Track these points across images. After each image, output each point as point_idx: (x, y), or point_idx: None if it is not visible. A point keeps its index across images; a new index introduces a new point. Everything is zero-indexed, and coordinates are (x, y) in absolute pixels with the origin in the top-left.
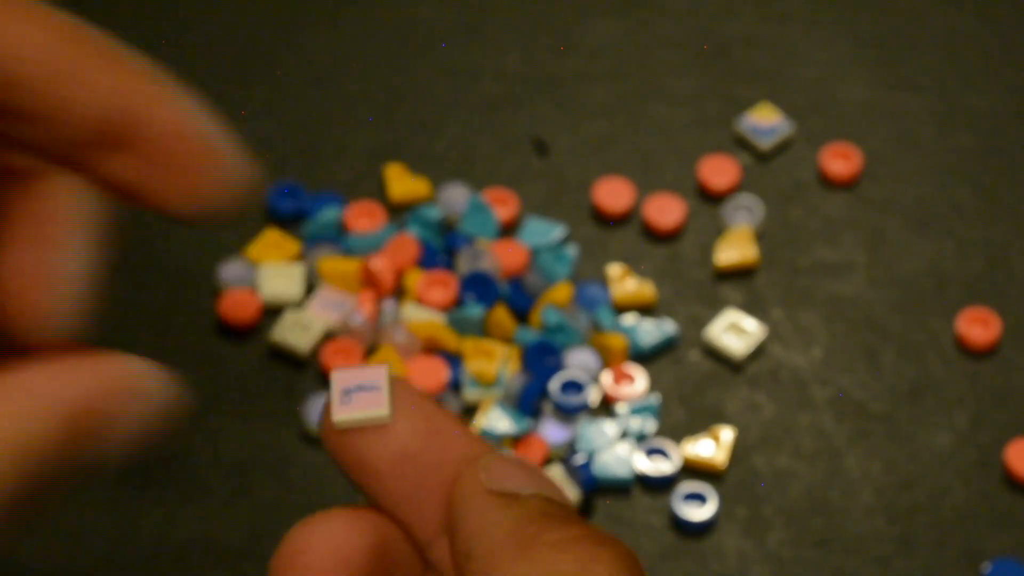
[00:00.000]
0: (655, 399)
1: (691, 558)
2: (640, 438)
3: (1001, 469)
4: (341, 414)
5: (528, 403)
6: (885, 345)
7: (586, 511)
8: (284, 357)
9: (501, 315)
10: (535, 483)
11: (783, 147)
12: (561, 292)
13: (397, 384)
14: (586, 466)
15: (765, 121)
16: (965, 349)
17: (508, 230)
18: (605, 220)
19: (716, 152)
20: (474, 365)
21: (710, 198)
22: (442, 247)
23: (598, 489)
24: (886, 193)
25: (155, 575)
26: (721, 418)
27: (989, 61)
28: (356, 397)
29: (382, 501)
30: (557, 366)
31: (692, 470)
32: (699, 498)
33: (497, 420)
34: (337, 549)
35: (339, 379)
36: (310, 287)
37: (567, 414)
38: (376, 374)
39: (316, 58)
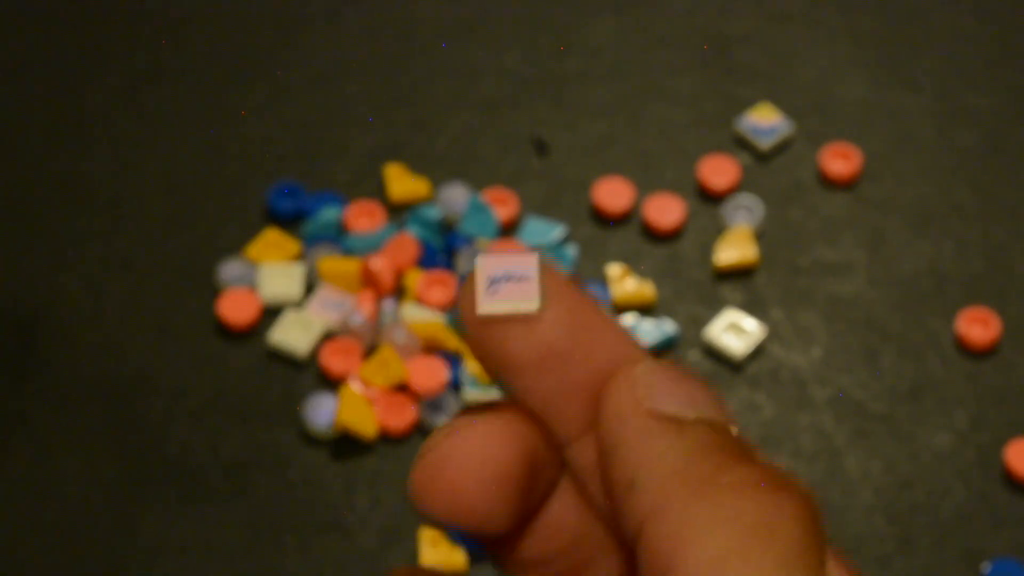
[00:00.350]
0: None
1: None
2: None
3: (1001, 469)
4: (487, 305)
5: None
6: (885, 345)
7: None
8: (284, 357)
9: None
10: (698, 403)
11: (783, 147)
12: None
13: (547, 273)
14: None
15: (765, 121)
16: (965, 349)
17: (508, 230)
18: (605, 220)
19: (716, 152)
20: (474, 365)
21: (710, 198)
22: (442, 247)
23: None
24: (886, 193)
25: (155, 575)
26: None
27: (989, 61)
28: (504, 287)
29: (522, 396)
30: None
31: None
32: None
33: None
34: (486, 459)
35: (486, 265)
36: (310, 287)
37: None
38: (526, 262)
39: (316, 58)
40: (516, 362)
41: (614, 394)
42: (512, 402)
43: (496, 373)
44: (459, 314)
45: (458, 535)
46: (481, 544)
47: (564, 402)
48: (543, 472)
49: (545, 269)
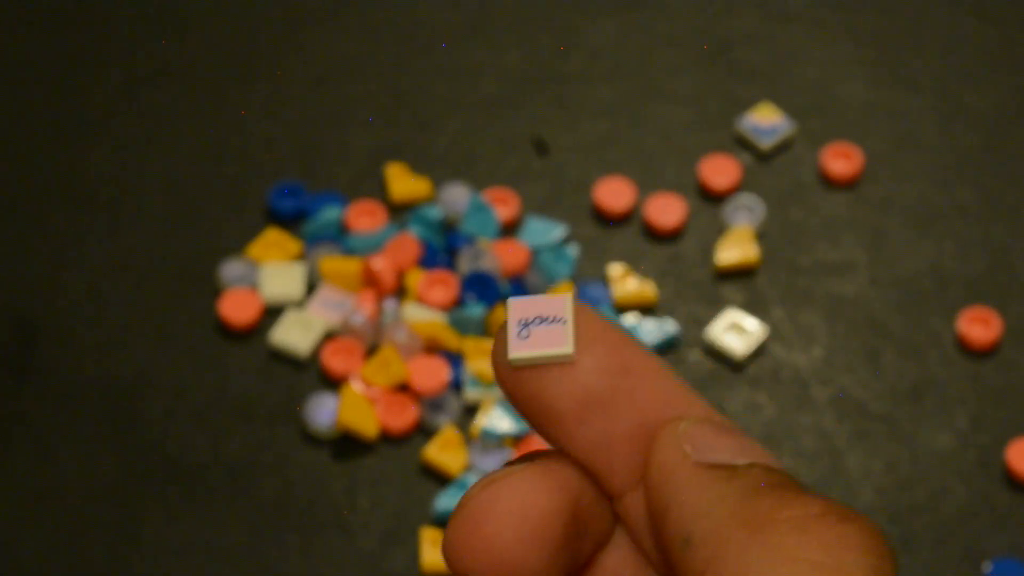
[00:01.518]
0: None
1: None
2: None
3: (1002, 469)
4: (519, 351)
5: None
6: (886, 345)
7: None
8: (285, 357)
9: (502, 315)
10: (748, 451)
11: (784, 147)
12: (562, 292)
13: (582, 314)
14: None
15: (766, 121)
16: (966, 349)
17: (509, 230)
18: (606, 220)
19: (717, 152)
20: (475, 364)
21: (711, 198)
22: (443, 247)
23: None
24: (887, 193)
25: (155, 575)
26: None
27: (990, 60)
28: (536, 332)
29: (566, 447)
30: None
31: None
32: None
33: (498, 420)
34: (527, 515)
35: (517, 309)
36: (311, 287)
37: None
38: (558, 305)
39: (316, 58)
40: (555, 411)
41: (660, 450)
42: (556, 452)
43: (536, 424)
44: (493, 359)
45: None
46: None
47: (610, 453)
48: (591, 525)
49: (580, 311)
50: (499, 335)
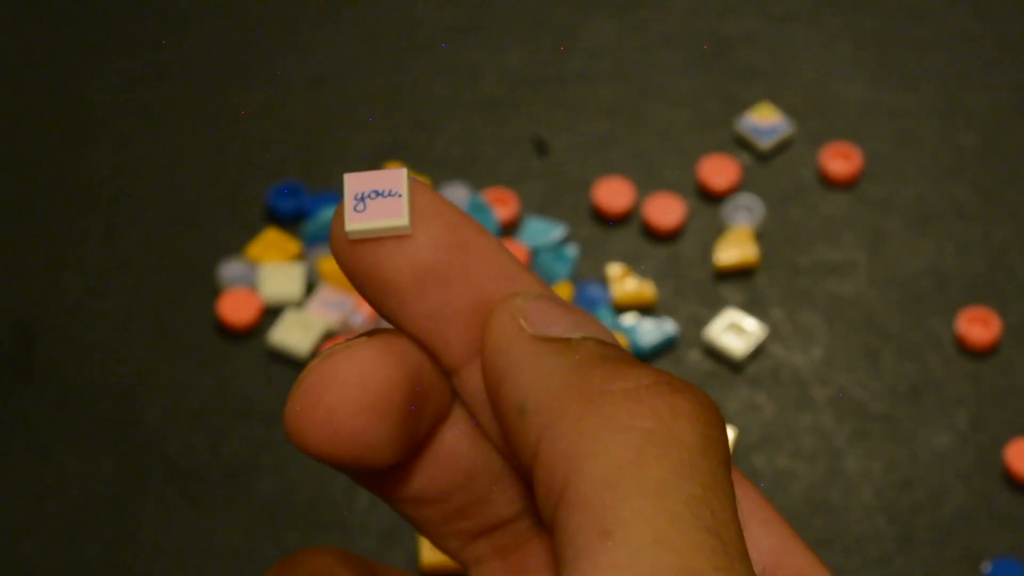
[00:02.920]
0: None
1: None
2: None
3: (1001, 469)
4: (354, 223)
5: None
6: (885, 345)
7: None
8: (284, 357)
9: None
10: (583, 326)
11: (783, 147)
12: (561, 292)
13: (418, 189)
14: None
15: (765, 121)
16: (965, 349)
17: (508, 230)
18: (605, 220)
19: (716, 152)
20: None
21: (710, 198)
22: None
23: None
24: (886, 193)
25: (154, 574)
26: None
27: (989, 61)
28: (372, 204)
29: (403, 322)
30: None
31: None
32: None
33: None
34: (367, 385)
35: (353, 183)
36: (310, 287)
37: None
38: (395, 178)
39: (316, 58)
40: (391, 285)
41: (496, 324)
42: (395, 329)
43: (373, 299)
44: (329, 236)
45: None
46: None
47: (447, 327)
48: (430, 399)
49: (417, 187)
50: (336, 209)
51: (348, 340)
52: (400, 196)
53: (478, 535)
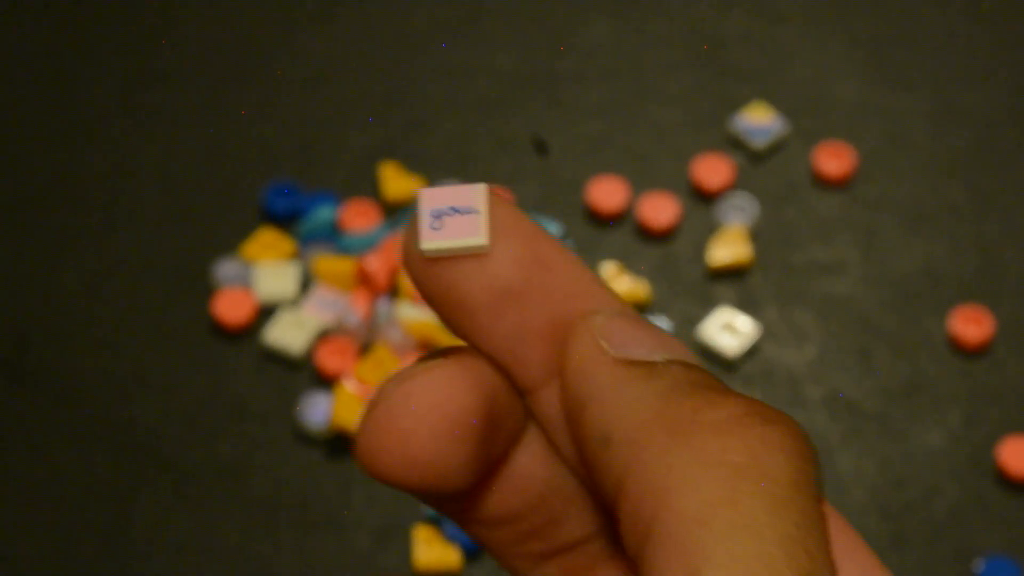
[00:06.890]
0: None
1: None
2: None
3: (994, 467)
4: (430, 241)
5: None
6: (878, 344)
7: None
8: (279, 357)
9: None
10: (666, 346)
11: (777, 146)
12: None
13: (497, 205)
14: None
15: (759, 120)
16: (958, 348)
17: None
18: (599, 219)
19: (710, 151)
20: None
21: (704, 197)
22: None
23: None
24: (879, 192)
25: (150, 574)
26: None
27: (982, 60)
28: (449, 221)
29: (478, 342)
30: None
31: None
32: None
33: None
34: (444, 410)
35: (428, 199)
36: (305, 286)
37: None
38: (472, 195)
39: (311, 58)
40: (468, 304)
41: (577, 345)
42: (469, 348)
43: (448, 318)
44: (402, 254)
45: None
46: (441, 504)
47: (524, 347)
48: (505, 421)
49: (495, 202)
50: (410, 226)
51: (422, 360)
52: (478, 213)
53: (548, 556)
